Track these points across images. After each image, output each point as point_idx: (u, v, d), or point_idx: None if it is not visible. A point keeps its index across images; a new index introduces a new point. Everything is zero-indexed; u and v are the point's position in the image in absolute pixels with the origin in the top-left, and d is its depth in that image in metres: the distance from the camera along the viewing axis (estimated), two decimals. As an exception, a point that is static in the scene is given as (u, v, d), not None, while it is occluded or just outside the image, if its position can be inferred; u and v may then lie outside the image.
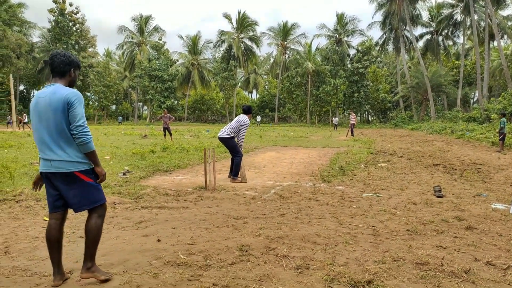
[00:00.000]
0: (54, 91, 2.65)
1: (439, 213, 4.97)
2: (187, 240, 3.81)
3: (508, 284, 2.84)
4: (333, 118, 29.17)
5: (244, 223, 4.51)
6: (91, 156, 2.74)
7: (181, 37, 59.64)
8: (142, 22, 58.17)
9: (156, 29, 59.48)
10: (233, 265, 3.18)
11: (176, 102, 57.19)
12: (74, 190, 2.71)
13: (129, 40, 59.11)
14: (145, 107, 71.76)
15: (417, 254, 3.42)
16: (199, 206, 5.35)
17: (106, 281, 2.79)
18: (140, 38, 58.77)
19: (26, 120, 32.30)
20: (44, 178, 2.77)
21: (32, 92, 63.86)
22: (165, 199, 5.72)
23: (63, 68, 2.76)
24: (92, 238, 2.80)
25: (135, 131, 29.02)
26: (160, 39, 59.31)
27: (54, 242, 2.80)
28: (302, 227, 4.29)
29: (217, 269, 3.10)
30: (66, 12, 50.99)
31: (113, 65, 67.89)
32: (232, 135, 7.55)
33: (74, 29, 52.03)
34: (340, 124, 42.28)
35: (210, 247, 3.62)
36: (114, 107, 69.80)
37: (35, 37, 55.30)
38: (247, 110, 7.85)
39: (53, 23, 50.97)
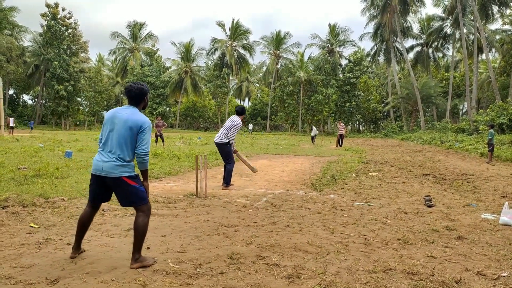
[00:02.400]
0: (132, 113, 3.28)
1: (430, 222, 4.98)
2: (177, 248, 3.75)
3: (499, 295, 2.84)
4: (313, 128, 28.29)
5: (235, 231, 4.46)
6: (145, 173, 3.41)
7: (174, 44, 59.83)
8: (136, 28, 58.21)
9: (150, 35, 59.53)
10: (223, 274, 3.14)
11: (168, 109, 57.02)
12: (122, 191, 3.26)
13: (122, 46, 59.03)
14: (136, 114, 71.26)
15: (408, 264, 3.41)
16: (190, 214, 5.29)
17: (152, 265, 3.25)
18: (133, 44, 58.73)
19: (12, 125, 31.59)
20: (94, 177, 3.33)
21: (21, 97, 63.13)
22: (155, 206, 5.64)
23: (139, 98, 3.39)
24: (140, 234, 3.27)
25: (126, 137, 28.75)
26: (153, 46, 59.33)
27: (83, 225, 3.42)
28: (294, 236, 4.26)
29: (207, 278, 3.05)
30: (58, 16, 50.65)
31: (105, 71, 67.56)
32: (228, 140, 7.48)
33: (67, 34, 51.67)
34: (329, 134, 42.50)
35: (200, 255, 3.57)
36: (105, 113, 69.33)
37: (26, 41, 54.78)
38: (240, 111, 7.71)
39: (45, 27, 50.55)
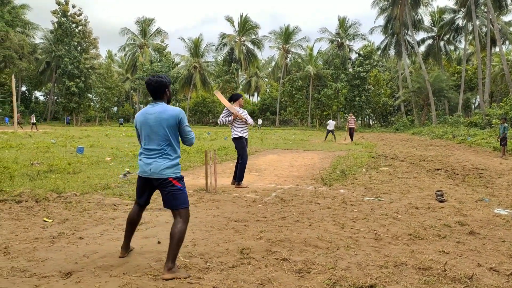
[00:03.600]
0: (162, 110, 3.18)
1: (441, 217, 4.93)
2: (187, 243, 3.78)
3: (512, 290, 2.80)
4: (329, 122, 25.11)
5: (245, 226, 4.48)
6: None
7: (183, 39, 59.79)
8: (145, 24, 58.45)
9: (159, 31, 59.76)
10: (233, 268, 3.15)
11: (177, 104, 57.29)
12: (169, 193, 3.18)
13: (131, 42, 59.37)
14: (146, 109, 71.78)
15: (419, 259, 3.38)
16: (200, 209, 5.33)
17: (186, 278, 2.95)
18: (143, 40, 59.02)
19: (33, 121, 32.67)
20: (141, 179, 3.32)
21: (34, 93, 64.05)
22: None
23: (160, 90, 3.24)
24: (176, 241, 3.05)
25: (136, 133, 28.99)
26: (163, 41, 59.53)
27: (131, 224, 3.43)
28: (304, 231, 4.26)
29: (218, 272, 3.07)
30: (68, 13, 51.11)
31: (115, 67, 68.09)
32: (236, 134, 7.09)
33: (77, 30, 52.12)
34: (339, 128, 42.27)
35: (210, 249, 3.60)
36: (115, 108, 69.95)
37: (38, 39, 55.54)
38: (233, 97, 7.31)
39: (55, 24, 51.08)
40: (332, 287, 2.81)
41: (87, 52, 53.25)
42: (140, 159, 3.29)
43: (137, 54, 59.08)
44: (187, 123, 3.27)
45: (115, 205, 5.32)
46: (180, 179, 3.24)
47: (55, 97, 58.01)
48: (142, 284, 2.80)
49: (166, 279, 2.90)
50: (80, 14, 52.43)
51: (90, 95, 56.32)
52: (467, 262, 3.36)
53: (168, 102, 3.34)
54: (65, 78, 50.16)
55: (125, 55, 63.77)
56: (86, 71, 51.59)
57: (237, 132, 7.08)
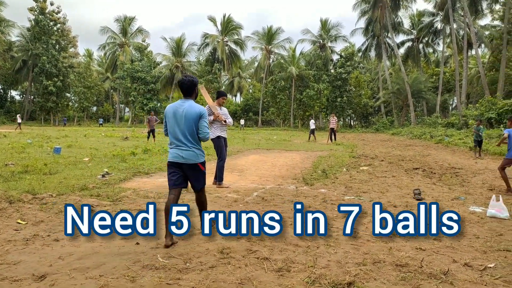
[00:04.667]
0: (190, 106, 3.77)
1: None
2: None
3: (485, 285, 2.88)
4: (311, 121, 26.06)
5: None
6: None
7: (165, 39, 59.15)
8: (126, 23, 57.50)
9: (140, 30, 58.88)
10: (213, 268, 3.13)
11: (159, 104, 56.53)
12: (196, 176, 3.87)
13: (112, 41, 58.31)
14: (127, 109, 70.81)
15: (397, 256, 3.44)
16: (180, 209, 5.26)
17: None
18: (123, 39, 58.05)
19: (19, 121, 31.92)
20: (172, 165, 3.84)
21: (9, 92, 62.07)
22: (145, 202, 5.60)
23: (192, 89, 3.87)
24: (206, 207, 4.09)
25: (116, 133, 28.53)
26: (144, 41, 58.66)
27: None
28: (284, 230, 4.25)
29: (197, 272, 3.04)
30: (46, 11, 49.82)
31: (95, 66, 66.78)
32: (218, 134, 7.02)
33: (55, 28, 50.86)
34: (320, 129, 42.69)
35: (190, 250, 3.56)
36: (94, 108, 68.60)
37: (14, 36, 53.81)
38: (220, 94, 7.17)
39: (33, 22, 49.69)
40: (312, 285, 2.82)
41: (66, 50, 52.05)
42: (171, 148, 3.85)
43: (117, 53, 58.05)
44: (206, 121, 3.82)
45: (93, 206, 5.20)
46: (204, 164, 3.94)
47: (32, 97, 56.42)
48: (119, 286, 2.74)
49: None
50: (58, 12, 51.22)
51: (68, 95, 55.05)
52: (442, 259, 3.44)
53: (195, 99, 3.94)
54: (43, 77, 48.88)
55: (105, 54, 62.58)
56: (64, 70, 50.42)
57: (215, 132, 7.04)
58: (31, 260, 3.25)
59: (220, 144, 7.09)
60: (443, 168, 10.39)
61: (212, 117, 6.84)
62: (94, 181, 7.06)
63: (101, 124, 52.65)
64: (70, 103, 56.34)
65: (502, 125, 24.14)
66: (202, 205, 4.04)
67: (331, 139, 22.55)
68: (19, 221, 4.45)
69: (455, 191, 7.05)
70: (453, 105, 55.23)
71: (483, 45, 44.00)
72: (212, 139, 7.05)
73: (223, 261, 3.28)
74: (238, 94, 76.29)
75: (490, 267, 3.23)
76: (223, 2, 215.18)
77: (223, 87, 66.81)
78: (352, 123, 63.49)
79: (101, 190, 6.28)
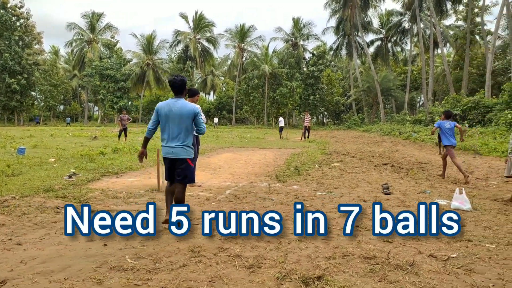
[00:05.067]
0: (183, 105, 4.02)
1: (387, 209, 5.16)
2: (136, 244, 3.65)
3: (448, 274, 3.00)
4: (280, 119, 26.02)
5: (197, 224, 4.40)
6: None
7: (135, 35, 57.67)
8: (94, 19, 55.79)
9: (109, 26, 57.33)
10: (184, 267, 3.09)
11: (130, 102, 55.31)
12: (184, 170, 4.08)
13: (79, 37, 56.45)
14: (96, 108, 68.83)
15: (365, 249, 3.52)
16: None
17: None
18: (91, 35, 56.33)
19: None
20: (165, 160, 4.15)
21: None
22: (114, 202, 5.47)
23: (183, 87, 4.09)
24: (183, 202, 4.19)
25: (85, 132, 27.68)
26: (113, 37, 57.21)
27: (169, 194, 4.23)
28: (256, 227, 4.27)
29: (167, 272, 2.99)
30: (8, 5, 47.57)
31: (61, 63, 64.47)
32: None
33: (18, 24, 48.66)
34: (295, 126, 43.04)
35: (160, 249, 3.50)
36: (61, 107, 66.30)
37: (-27, 32, 50.98)
38: (191, 93, 6.55)
39: (-7, 17, 47.36)
40: (282, 280, 2.84)
41: (30, 47, 49.93)
42: (163, 145, 4.08)
43: (85, 50, 56.26)
44: (201, 117, 4.12)
45: (58, 208, 5.02)
46: (193, 159, 4.18)
47: (-6, 95, 53.79)
48: (85, 289, 2.66)
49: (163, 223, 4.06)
50: (21, 7, 49.07)
51: (33, 93, 52.89)
52: (409, 250, 3.55)
53: (186, 98, 4.34)
54: (5, 74, 46.71)
55: (72, 51, 60.53)
56: (28, 67, 48.39)
57: None
58: (-10, 265, 3.09)
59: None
60: (410, 163, 10.73)
61: None
62: (60, 182, 6.81)
63: (69, 123, 50.88)
64: (35, 102, 54.16)
65: (466, 121, 25.23)
66: (180, 199, 4.10)
67: (304, 137, 22.76)
68: (-22, 225, 4.23)
69: (422, 185, 7.30)
70: (421, 103, 57.17)
71: (448, 44, 45.80)
72: None
73: (194, 260, 3.25)
74: (212, 92, 75.76)
75: (453, 257, 3.37)
76: (195, 1, 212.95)
77: (196, 85, 66.15)
78: (324, 121, 64.49)
79: (67, 191, 6.07)
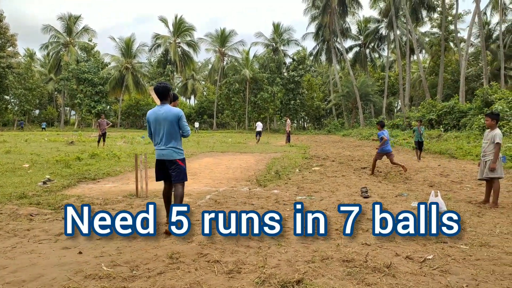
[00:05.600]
0: (168, 110, 4.28)
1: (365, 212, 5.23)
2: (112, 251, 3.57)
3: (424, 276, 3.05)
4: (257, 124, 25.89)
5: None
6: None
7: (113, 38, 56.86)
8: (71, 21, 54.61)
9: (86, 29, 56.19)
10: (161, 274, 3.04)
11: (108, 107, 54.22)
12: (176, 170, 4.35)
13: (55, 40, 55.10)
14: (73, 112, 67.24)
15: (344, 252, 3.55)
16: (129, 215, 5.06)
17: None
18: (68, 38, 55.08)
19: None
20: (158, 163, 4.43)
21: None
22: (91, 209, 5.32)
23: (165, 93, 4.33)
24: (181, 199, 4.33)
25: (61, 137, 26.98)
26: (90, 40, 56.01)
27: (168, 199, 4.52)
28: (237, 231, 4.24)
29: (144, 280, 2.93)
30: (-20, 6, 46.05)
31: (36, 67, 62.77)
32: None
33: (-10, 25, 47.15)
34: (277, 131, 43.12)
35: (137, 256, 3.43)
36: (37, 111, 64.46)
37: None
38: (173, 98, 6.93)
39: (-36, 18, 45.75)
40: (261, 285, 2.83)
41: (3, 49, 48.36)
42: (156, 149, 4.38)
43: (61, 53, 54.91)
44: (185, 121, 4.35)
45: (32, 215, 4.86)
46: (183, 160, 4.43)
47: (-35, 99, 51.79)
48: (58, 299, 2.57)
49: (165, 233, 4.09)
50: (-6, 8, 47.54)
51: (7, 97, 51.21)
52: (386, 253, 3.60)
53: (170, 103, 4.41)
54: (-23, 77, 45.09)
55: (48, 54, 58.97)
56: (1, 70, 46.82)
57: None
58: (-44, 276, 2.95)
59: None
60: (388, 167, 10.94)
61: None
62: (34, 189, 6.60)
63: (44, 128, 49.45)
64: (9, 106, 52.46)
65: (441, 126, 25.96)
66: (180, 196, 4.32)
67: (287, 141, 23.23)
68: None
69: (399, 188, 7.44)
70: (398, 107, 58.49)
71: (424, 51, 47.13)
72: None
73: (172, 266, 3.20)
74: (192, 97, 75.31)
75: (429, 259, 3.43)
76: (174, 3, 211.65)
77: (177, 90, 65.72)
78: (305, 125, 65.06)
79: (41, 198, 5.88)
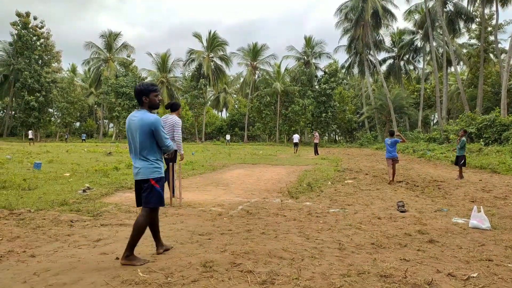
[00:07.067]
0: (141, 118, 3.45)
1: (403, 227, 5.05)
2: (147, 258, 3.63)
3: (469, 294, 2.88)
4: (294, 136, 27.92)
5: (209, 239, 4.37)
6: (175, 151, 3.98)
7: (150, 54, 59.11)
8: (111, 38, 57.37)
9: (125, 46, 58.79)
10: (195, 282, 3.05)
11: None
12: (146, 192, 3.50)
13: (96, 56, 57.98)
14: (111, 125, 69.96)
15: (381, 267, 3.42)
16: (163, 223, 5.15)
17: (142, 265, 3.37)
18: (108, 54, 57.82)
19: (31, 137, 34.26)
20: (135, 183, 3.61)
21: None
22: (127, 216, 5.48)
23: (139, 98, 3.52)
24: (135, 232, 3.46)
25: (100, 148, 28.08)
26: (129, 56, 58.55)
27: (150, 225, 3.65)
28: (269, 242, 4.21)
29: (179, 287, 2.95)
30: (30, 26, 49.34)
31: (78, 81, 66.10)
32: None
33: (38, 43, 50.33)
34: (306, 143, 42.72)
35: (172, 264, 3.47)
36: (78, 124, 67.59)
37: (-5, 51, 52.91)
38: (172, 107, 6.54)
39: (15, 36, 49.11)
40: (296, 297, 2.77)
41: (49, 65, 51.42)
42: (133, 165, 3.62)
43: (101, 68, 57.68)
44: (161, 132, 3.48)
45: (72, 221, 5.05)
46: (159, 180, 3.54)
47: (13, 112, 55.26)
48: (97, 302, 2.63)
49: (123, 264, 3.36)
50: (42, 27, 50.81)
51: (51, 110, 54.15)
52: (426, 269, 3.43)
53: (151, 109, 3.58)
54: (25, 92, 48.06)
55: (89, 69, 62.12)
56: (47, 85, 49.69)
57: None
58: (4, 276, 3.11)
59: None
60: (425, 181, 10.53)
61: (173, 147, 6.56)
62: (75, 196, 6.88)
63: (84, 139, 51.77)
64: (52, 118, 55.38)
65: (481, 140, 24.78)
66: (137, 226, 3.47)
67: (316, 153, 23.65)
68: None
69: (438, 203, 7.13)
70: (434, 121, 56.55)
71: (461, 63, 45.49)
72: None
73: (206, 275, 3.20)
74: (224, 110, 76.45)
75: (473, 277, 3.24)
76: (206, 19, 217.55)
77: (209, 103, 66.96)
78: (337, 138, 64.14)
79: (81, 205, 6.12)
